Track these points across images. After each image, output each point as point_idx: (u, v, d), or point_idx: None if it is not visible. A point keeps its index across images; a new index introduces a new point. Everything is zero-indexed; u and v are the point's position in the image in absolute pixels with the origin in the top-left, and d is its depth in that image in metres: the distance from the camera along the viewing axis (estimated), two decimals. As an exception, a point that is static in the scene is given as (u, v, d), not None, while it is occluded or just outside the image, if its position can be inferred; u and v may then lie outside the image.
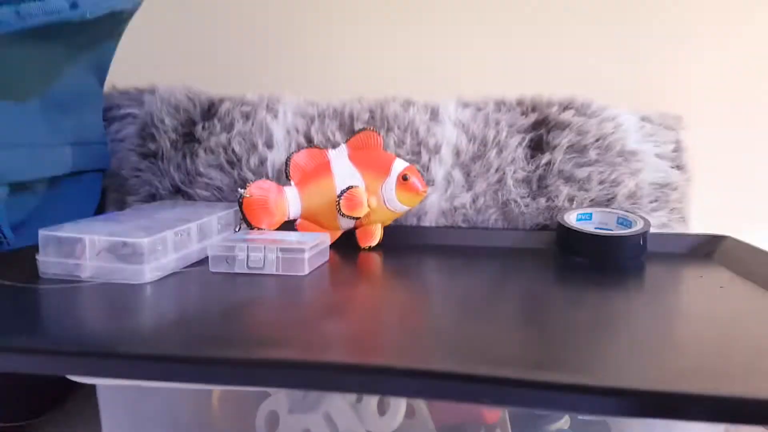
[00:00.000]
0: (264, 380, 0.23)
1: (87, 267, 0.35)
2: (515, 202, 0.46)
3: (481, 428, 0.31)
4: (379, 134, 0.45)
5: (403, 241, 0.46)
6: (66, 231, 0.36)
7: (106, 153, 0.51)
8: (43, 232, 0.36)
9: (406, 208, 0.44)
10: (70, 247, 0.35)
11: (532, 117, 0.48)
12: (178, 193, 0.51)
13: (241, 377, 0.23)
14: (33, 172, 0.42)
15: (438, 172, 0.48)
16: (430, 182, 0.48)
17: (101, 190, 0.51)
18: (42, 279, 0.35)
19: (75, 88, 0.46)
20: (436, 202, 0.48)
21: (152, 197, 0.51)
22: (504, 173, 0.47)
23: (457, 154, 0.48)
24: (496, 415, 0.31)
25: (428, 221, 0.48)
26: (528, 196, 0.47)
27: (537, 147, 0.47)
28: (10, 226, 0.41)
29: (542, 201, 0.46)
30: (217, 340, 0.26)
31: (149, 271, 0.35)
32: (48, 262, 0.35)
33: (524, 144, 0.47)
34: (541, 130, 0.47)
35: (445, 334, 0.27)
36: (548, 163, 0.46)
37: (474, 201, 0.47)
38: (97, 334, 0.27)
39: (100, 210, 0.51)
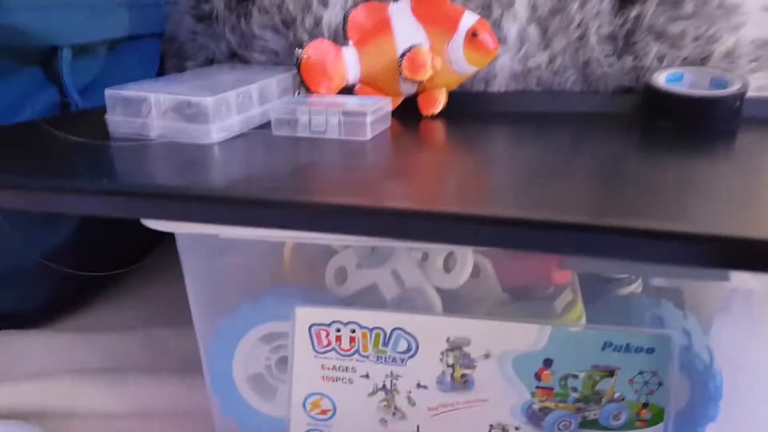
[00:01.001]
0: (334, 225, 0.26)
1: (154, 126, 0.38)
2: (598, 61, 0.46)
3: (549, 288, 0.34)
4: (445, -18, 0.44)
5: (469, 108, 0.47)
6: (131, 90, 0.39)
7: (161, 15, 0.54)
8: (109, 91, 0.39)
9: (474, 69, 0.44)
10: (136, 107, 0.39)
11: (622, -36, 0.46)
12: (235, 57, 0.53)
13: (313, 221, 0.26)
14: (93, 33, 0.45)
15: (511, 29, 0.47)
16: (501, 40, 0.47)
17: (160, 54, 0.54)
18: (112, 138, 0.39)
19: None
20: (507, 64, 0.48)
21: (209, 62, 0.54)
22: (587, 29, 0.46)
23: (534, 7, 0.47)
24: (566, 276, 0.34)
25: (497, 86, 0.48)
26: (612, 55, 0.46)
27: (626, -1, 0.45)
28: (77, 89, 0.45)
29: (628, 60, 0.45)
30: (287, 193, 0.29)
31: (215, 131, 0.38)
32: (116, 121, 0.39)
33: (611, -5, 0.45)
34: (630, -21, 0.45)
35: (515, 192, 0.29)
36: (638, 17, 0.45)
37: (551, 61, 0.47)
38: (171, 184, 0.31)
39: (159, 76, 0.54)
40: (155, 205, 0.29)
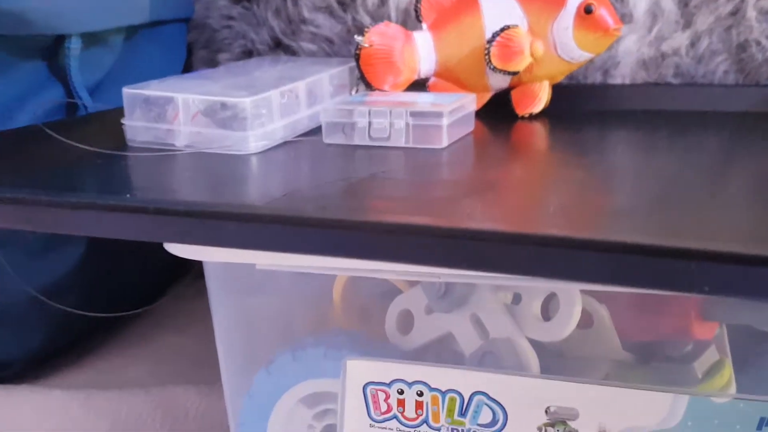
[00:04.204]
0: (397, 252, 0.27)
1: (181, 133, 0.41)
2: (758, 44, 0.45)
3: (688, 346, 0.33)
4: (549, -49, 0.45)
5: (581, 106, 0.48)
6: (154, 89, 0.42)
7: (189, -2, 0.57)
8: (127, 90, 0.42)
9: (588, 55, 0.45)
10: (160, 109, 0.42)
11: None
12: (279, 47, 0.56)
13: (371, 246, 0.27)
14: (106, 19, 0.49)
15: (639, 2, 0.47)
16: (625, 18, 0.48)
17: (186, 45, 0.57)
18: (130, 147, 0.42)
19: None
20: (633, 48, 0.48)
21: (248, 54, 0.57)
22: (742, 1, 0.45)
23: (669, -26, 0.47)
24: (710, 330, 0.34)
25: (620, 77, 0.49)
26: (777, 36, 0.45)
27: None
28: (86, 87, 0.49)
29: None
30: (339, 212, 0.31)
31: (254, 139, 0.40)
32: (135, 127, 0.42)
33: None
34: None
35: (642, 216, 0.29)
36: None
37: (693, 44, 0.47)
38: (200, 201, 0.33)
39: (186, 71, 0.58)
40: (180, 225, 0.30)
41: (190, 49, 0.59)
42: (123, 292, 0.53)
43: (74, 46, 0.47)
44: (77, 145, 0.40)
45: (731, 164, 0.37)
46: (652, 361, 0.35)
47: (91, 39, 0.49)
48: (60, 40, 0.47)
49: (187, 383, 0.49)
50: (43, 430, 0.46)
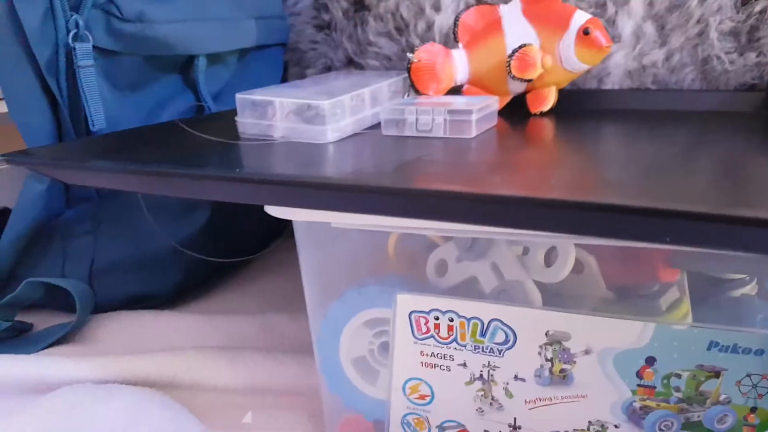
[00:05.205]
0: (434, 211, 0.28)
1: (278, 127, 0.43)
2: (718, 58, 0.44)
3: (655, 286, 0.33)
4: (557, -16, 0.45)
5: (580, 106, 0.48)
6: (258, 95, 0.44)
7: (286, 26, 0.59)
8: (239, 96, 0.44)
9: (585, 66, 0.45)
10: (263, 110, 0.43)
11: (747, -44, 0.44)
12: (351, 63, 0.57)
13: (415, 207, 0.28)
14: (225, 43, 0.51)
15: (626, 25, 0.47)
16: (615, 38, 0.47)
17: (283, 63, 0.59)
18: (242, 137, 0.44)
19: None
20: (621, 61, 0.47)
21: (328, 69, 0.58)
22: (707, 24, 0.44)
23: (650, 3, 0.46)
24: (674, 275, 0.33)
25: (611, 84, 0.48)
26: (735, 51, 0.44)
27: (750, -8, 0.44)
28: (210, 94, 0.51)
29: (752, 56, 0.44)
30: (391, 181, 0.32)
31: (331, 132, 0.42)
32: (245, 123, 0.44)
33: (734, -11, 0.44)
34: (757, -29, 0.44)
35: (625, 185, 0.29)
36: (763, 11, 0.43)
37: (668, 58, 0.46)
38: (289, 173, 0.34)
39: (282, 82, 0.60)
40: (276, 192, 0.32)
41: (286, 65, 0.60)
42: (238, 244, 0.55)
43: (201, 63, 0.50)
44: (203, 135, 0.42)
45: (697, 150, 0.36)
46: (628, 298, 0.35)
47: (214, 58, 0.51)
48: (191, 58, 0.49)
49: (282, 311, 0.51)
50: (179, 341, 0.49)
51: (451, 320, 0.35)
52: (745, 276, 0.33)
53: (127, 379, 0.43)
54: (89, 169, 0.36)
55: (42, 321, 0.49)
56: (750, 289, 0.33)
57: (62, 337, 0.47)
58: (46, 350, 0.46)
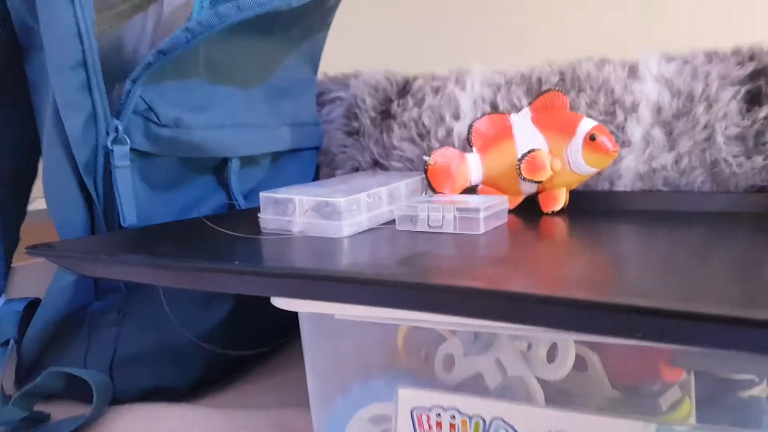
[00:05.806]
0: (439, 305, 0.29)
1: (297, 223, 0.45)
2: (726, 161, 0.45)
3: (656, 384, 0.32)
4: (565, 94, 0.47)
5: (592, 206, 0.48)
6: (280, 193, 0.46)
7: (320, 132, 0.63)
8: (263, 194, 0.47)
9: (593, 170, 0.46)
10: (283, 207, 0.46)
11: (750, 67, 0.46)
12: (376, 165, 0.60)
13: (420, 300, 0.29)
14: (259, 147, 0.54)
15: (635, 131, 0.48)
16: (625, 143, 0.49)
17: (316, 165, 0.62)
18: (263, 232, 0.46)
19: (292, 76, 0.58)
20: (632, 165, 0.48)
21: (355, 170, 0.61)
22: (713, 130, 0.45)
23: (658, 111, 0.48)
24: (677, 374, 0.32)
25: (622, 186, 0.49)
26: (742, 155, 0.45)
27: (754, 100, 0.45)
28: (241, 193, 0.54)
29: (759, 160, 0.44)
30: (397, 274, 0.33)
31: (346, 227, 0.44)
32: (267, 218, 0.46)
33: (739, 97, 0.45)
34: (759, 81, 0.45)
35: (634, 284, 0.30)
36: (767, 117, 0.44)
37: (677, 161, 0.47)
38: (295, 266, 0.36)
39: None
40: (280, 285, 0.33)
41: (318, 166, 0.64)
42: (257, 336, 0.55)
43: (234, 165, 0.52)
44: (225, 231, 0.44)
45: (710, 251, 0.36)
46: (631, 397, 0.34)
47: (247, 161, 0.54)
48: (225, 161, 0.51)
49: (297, 406, 0.50)
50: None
51: (453, 417, 0.34)
52: (754, 377, 0.31)
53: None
54: (100, 261, 0.37)
55: (60, 411, 0.50)
56: (760, 390, 0.31)
57: (78, 429, 0.47)
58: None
